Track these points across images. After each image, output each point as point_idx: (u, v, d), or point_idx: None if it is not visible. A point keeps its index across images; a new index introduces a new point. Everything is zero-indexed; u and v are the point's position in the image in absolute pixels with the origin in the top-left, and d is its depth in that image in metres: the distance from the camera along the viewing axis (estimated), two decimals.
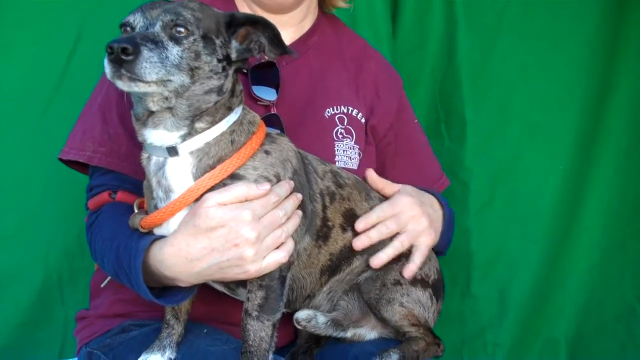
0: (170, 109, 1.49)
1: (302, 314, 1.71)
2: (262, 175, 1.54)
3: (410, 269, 1.75)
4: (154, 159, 1.55)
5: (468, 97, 2.94)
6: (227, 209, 1.48)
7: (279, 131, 1.74)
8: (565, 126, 2.93)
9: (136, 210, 1.63)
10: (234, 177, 1.52)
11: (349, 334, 1.76)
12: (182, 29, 1.45)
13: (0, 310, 2.62)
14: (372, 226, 1.73)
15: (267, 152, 1.58)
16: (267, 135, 1.63)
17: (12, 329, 2.63)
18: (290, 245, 1.55)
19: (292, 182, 1.58)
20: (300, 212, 1.59)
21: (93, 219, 1.81)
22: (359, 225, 1.71)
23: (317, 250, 1.67)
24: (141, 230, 1.59)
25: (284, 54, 1.58)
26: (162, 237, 1.57)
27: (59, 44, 2.67)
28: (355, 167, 1.95)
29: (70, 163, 1.90)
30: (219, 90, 1.52)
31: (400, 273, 1.75)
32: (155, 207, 1.57)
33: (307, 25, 2.04)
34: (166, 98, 1.47)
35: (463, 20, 2.93)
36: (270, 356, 1.54)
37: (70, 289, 2.70)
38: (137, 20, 1.46)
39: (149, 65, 1.39)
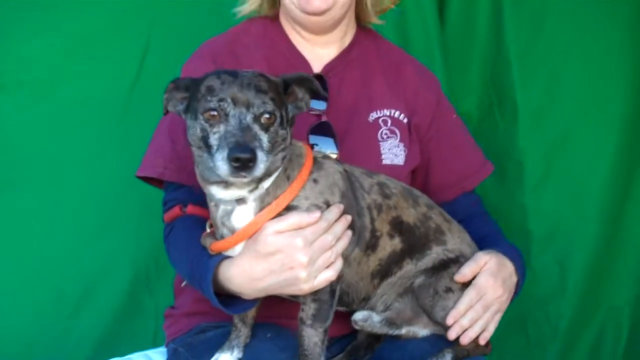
0: (256, 176, 1.65)
1: (359, 315, 1.90)
2: (313, 203, 1.73)
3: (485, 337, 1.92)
4: (222, 207, 1.75)
5: (518, 80, 3.01)
6: (283, 237, 1.68)
7: (324, 153, 1.92)
8: (614, 103, 2.98)
9: (207, 230, 1.84)
10: (289, 208, 1.71)
11: (403, 331, 1.93)
12: (269, 116, 1.63)
13: (94, 305, 2.84)
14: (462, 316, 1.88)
15: (315, 181, 1.76)
16: (315, 161, 1.80)
17: (107, 322, 2.86)
18: (339, 264, 1.74)
19: (341, 206, 1.76)
20: (349, 232, 1.76)
21: (168, 230, 2.05)
22: (450, 319, 1.87)
23: (366, 258, 1.85)
24: (210, 252, 1.80)
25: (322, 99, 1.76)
26: (229, 257, 1.78)
27: (129, 51, 2.83)
28: (401, 162, 2.14)
29: (147, 180, 2.13)
30: (284, 148, 1.71)
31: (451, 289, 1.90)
32: (222, 236, 1.78)
33: (347, 40, 2.22)
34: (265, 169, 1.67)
35: (509, 5, 2.98)
36: (323, 359, 1.75)
37: (158, 283, 2.91)
38: (229, 109, 1.61)
39: (262, 166, 1.59)
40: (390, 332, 1.92)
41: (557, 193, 3.04)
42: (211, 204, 1.79)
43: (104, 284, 2.88)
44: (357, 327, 1.91)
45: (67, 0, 2.78)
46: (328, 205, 1.75)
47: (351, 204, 1.80)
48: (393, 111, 2.17)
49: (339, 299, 1.86)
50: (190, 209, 1.99)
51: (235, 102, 1.62)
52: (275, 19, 2.21)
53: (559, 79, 3.03)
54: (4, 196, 2.78)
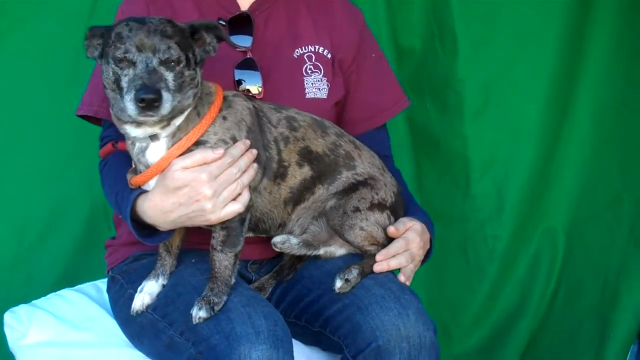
0: (165, 115, 1.78)
1: (277, 238, 2.03)
2: (220, 138, 1.85)
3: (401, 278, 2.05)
4: (137, 144, 1.88)
5: (457, 11, 3.10)
6: (189, 172, 1.81)
7: (235, 92, 2.02)
8: (551, 33, 3.08)
9: (133, 166, 1.97)
10: (198, 143, 1.84)
11: (321, 251, 2.07)
12: (174, 59, 1.75)
13: (55, 240, 2.96)
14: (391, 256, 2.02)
15: (224, 118, 1.88)
16: (225, 99, 1.91)
17: (67, 255, 2.98)
18: (245, 196, 1.87)
19: (247, 141, 1.88)
20: (255, 165, 1.89)
21: (102, 165, 2.18)
22: (379, 256, 2.00)
23: (276, 187, 1.97)
24: (131, 187, 1.94)
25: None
26: (146, 191, 1.91)
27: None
28: (324, 96, 2.25)
29: (87, 118, 2.25)
30: (195, 89, 1.82)
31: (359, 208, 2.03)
32: (140, 171, 1.91)
33: None
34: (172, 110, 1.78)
35: None
36: (233, 280, 1.89)
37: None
38: (134, 56, 1.74)
39: (168, 105, 1.73)
40: (309, 252, 2.06)
41: (495, 122, 3.17)
42: (128, 142, 1.91)
43: (64, 219, 2.99)
44: (277, 250, 2.05)
45: None
46: (235, 140, 1.87)
47: (257, 138, 1.93)
48: (317, 47, 2.27)
49: (255, 227, 2.00)
50: (121, 145, 2.10)
51: (142, 47, 1.74)
52: None
53: (498, 10, 3.12)
54: None
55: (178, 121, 1.84)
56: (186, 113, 1.84)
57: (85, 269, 3.01)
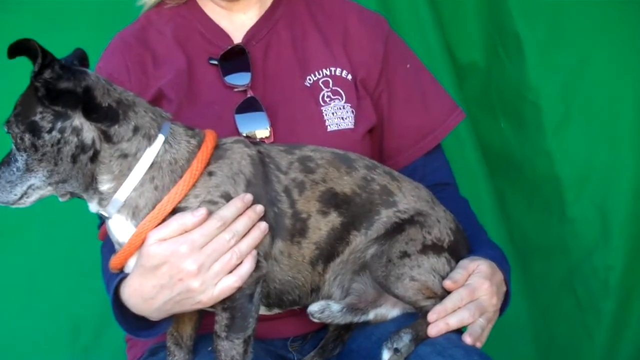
0: (70, 192, 1.54)
1: (314, 307, 1.65)
2: (204, 200, 1.52)
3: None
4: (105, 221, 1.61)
5: (517, 11, 2.73)
6: (166, 245, 1.48)
7: (236, 137, 1.68)
8: (629, 19, 2.66)
9: None
10: (175, 211, 1.51)
11: (370, 316, 1.68)
12: (14, 137, 1.49)
13: (112, 336, 2.70)
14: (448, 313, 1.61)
15: (210, 174, 1.54)
16: (218, 148, 1.58)
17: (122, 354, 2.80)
18: (245, 267, 1.51)
19: (247, 196, 1.54)
20: (262, 225, 1.54)
21: (101, 249, 1.92)
22: (433, 314, 1.60)
23: (296, 247, 1.61)
24: (112, 271, 1.63)
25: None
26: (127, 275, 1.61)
27: None
28: (351, 125, 1.88)
29: None
30: (82, 149, 1.49)
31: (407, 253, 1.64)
32: (116, 252, 1.61)
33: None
34: (55, 190, 1.54)
35: None
36: None
37: None
38: None
39: (3, 194, 1.52)
40: (356, 319, 1.68)
41: (582, 131, 2.74)
42: None
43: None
44: (315, 321, 1.67)
45: None
46: (228, 198, 1.53)
47: (259, 192, 1.58)
48: (334, 69, 1.92)
49: (280, 301, 1.66)
50: None
51: None
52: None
53: (563, 5, 2.72)
54: (5, 234, 2.73)
55: (120, 195, 1.52)
56: (128, 186, 1.52)
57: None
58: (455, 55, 2.93)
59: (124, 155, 1.52)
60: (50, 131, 1.47)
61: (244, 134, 1.80)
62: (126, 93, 1.57)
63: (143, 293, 1.54)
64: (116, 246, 1.60)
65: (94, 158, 1.51)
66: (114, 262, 1.59)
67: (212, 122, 1.68)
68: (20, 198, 1.52)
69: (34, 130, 1.47)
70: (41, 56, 1.42)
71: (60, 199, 1.57)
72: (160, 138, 1.54)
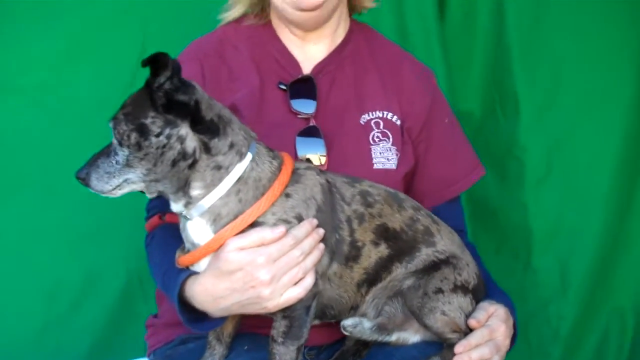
0: (160, 191, 1.65)
1: (348, 321, 1.82)
2: (281, 218, 1.65)
3: None
4: (181, 219, 1.72)
5: (519, 76, 2.94)
6: (244, 254, 1.61)
7: (308, 164, 1.83)
8: (617, 99, 2.89)
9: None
10: (254, 225, 1.64)
11: (393, 337, 1.86)
12: (119, 133, 1.60)
13: (87, 310, 2.79)
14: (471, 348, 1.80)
15: (287, 195, 1.68)
16: (294, 173, 1.72)
17: (99, 328, 2.80)
18: (308, 281, 1.66)
19: (314, 220, 1.68)
20: (321, 246, 1.69)
21: (149, 240, 2.01)
22: (459, 348, 1.79)
23: (348, 270, 1.77)
24: (178, 266, 1.75)
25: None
26: (197, 272, 1.72)
27: (125, 53, 2.76)
28: (394, 167, 2.05)
29: None
30: (183, 157, 1.61)
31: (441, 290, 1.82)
32: (188, 250, 1.73)
33: (340, 35, 2.13)
34: (147, 187, 1.64)
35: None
36: None
37: (152, 288, 2.86)
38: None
39: (97, 182, 1.61)
40: (380, 338, 1.85)
41: (559, 191, 2.97)
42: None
43: (97, 289, 2.83)
44: (346, 333, 1.84)
45: (61, 3, 2.72)
46: (300, 219, 1.68)
47: (327, 218, 1.73)
48: (386, 113, 2.08)
49: (322, 314, 1.80)
50: (169, 217, 1.94)
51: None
52: (266, 21, 2.13)
53: (561, 75, 2.94)
54: (15, 196, 2.74)
55: (206, 201, 1.64)
56: (215, 194, 1.64)
57: (117, 343, 2.86)
58: (455, 103, 3.05)
59: (218, 167, 1.64)
60: (158, 135, 1.58)
61: (304, 157, 1.94)
62: (224, 109, 1.69)
63: (215, 293, 1.66)
64: (187, 245, 1.71)
65: (192, 166, 1.62)
66: (185, 259, 1.70)
67: (274, 143, 1.80)
68: (114, 189, 1.62)
69: (143, 131, 1.58)
70: (170, 69, 1.54)
71: (149, 196, 1.67)
72: (249, 156, 1.67)
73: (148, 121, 1.58)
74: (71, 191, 2.70)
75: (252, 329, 1.89)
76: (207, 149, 1.63)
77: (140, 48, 2.76)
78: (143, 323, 2.82)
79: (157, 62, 1.55)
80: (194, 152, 1.62)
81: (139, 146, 1.58)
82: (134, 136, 1.58)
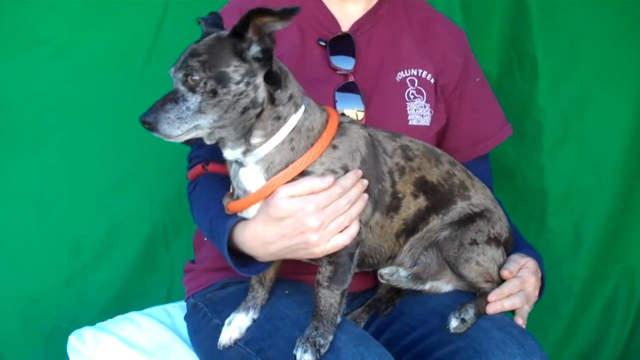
0: (222, 137, 1.70)
1: (385, 270, 1.90)
2: (328, 169, 1.72)
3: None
4: (233, 166, 1.77)
5: (538, 38, 2.96)
6: (294, 201, 1.68)
7: (351, 118, 1.90)
8: (637, 63, 2.93)
9: (230, 189, 1.84)
10: (303, 174, 1.71)
11: (427, 286, 1.94)
12: (193, 80, 1.62)
13: (112, 259, 2.85)
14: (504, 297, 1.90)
15: (334, 147, 1.75)
16: (340, 126, 1.78)
17: (123, 276, 2.87)
18: (353, 229, 1.73)
19: (359, 172, 1.75)
20: (365, 196, 1.76)
21: (191, 188, 2.06)
22: (493, 296, 1.88)
23: (389, 220, 1.85)
24: (227, 212, 1.81)
25: (288, 16, 1.63)
26: (245, 218, 1.79)
27: (149, 9, 2.79)
28: (427, 123, 2.13)
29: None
30: (254, 105, 1.67)
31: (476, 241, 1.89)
32: (238, 197, 1.79)
33: None
34: (210, 134, 1.68)
35: None
36: (339, 319, 1.76)
37: (174, 238, 2.93)
38: (172, 73, 1.67)
39: (167, 126, 1.61)
40: (415, 287, 1.93)
41: (574, 154, 3.02)
42: (228, 164, 1.81)
43: (121, 239, 2.88)
44: (382, 281, 1.92)
45: None
46: (346, 170, 1.75)
47: (370, 170, 1.80)
48: (420, 71, 2.15)
49: (362, 262, 1.87)
50: (212, 167, 2.00)
51: (175, 66, 1.66)
52: None
53: (580, 39, 2.98)
54: (23, 151, 2.76)
55: (263, 149, 1.71)
56: (272, 143, 1.70)
57: (141, 292, 2.92)
58: None
59: (278, 117, 1.70)
60: (238, 83, 1.63)
61: (340, 112, 2.00)
62: (281, 62, 1.75)
63: (264, 238, 1.72)
64: (238, 192, 1.78)
65: (259, 115, 1.68)
66: (235, 205, 1.77)
67: (314, 98, 1.86)
68: (182, 134, 1.64)
69: (222, 79, 1.62)
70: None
71: (207, 142, 1.72)
72: (302, 108, 1.74)
73: (230, 69, 1.63)
74: (94, 143, 2.82)
75: (291, 275, 1.97)
76: (272, 99, 1.70)
77: (163, 6, 2.79)
78: (164, 273, 2.93)
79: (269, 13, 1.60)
80: (263, 101, 1.68)
81: (214, 93, 1.62)
82: (210, 84, 1.62)
